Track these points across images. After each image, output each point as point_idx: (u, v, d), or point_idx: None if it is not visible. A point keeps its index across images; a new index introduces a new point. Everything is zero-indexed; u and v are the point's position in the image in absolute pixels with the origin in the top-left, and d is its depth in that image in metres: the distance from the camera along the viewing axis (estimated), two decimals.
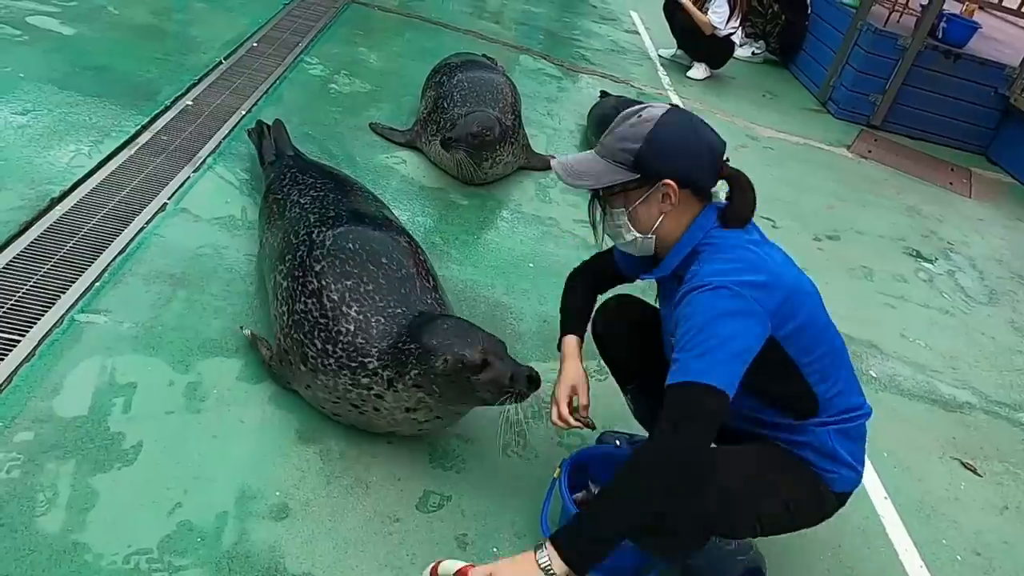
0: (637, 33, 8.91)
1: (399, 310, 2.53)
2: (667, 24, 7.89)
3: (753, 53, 8.99)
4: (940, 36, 7.63)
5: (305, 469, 2.51)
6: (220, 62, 5.17)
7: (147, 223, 3.42)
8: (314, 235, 2.80)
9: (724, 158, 2.04)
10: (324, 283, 2.60)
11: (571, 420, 2.33)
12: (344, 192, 3.29)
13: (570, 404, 2.35)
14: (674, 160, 1.96)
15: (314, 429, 2.66)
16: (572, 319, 2.54)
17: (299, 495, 2.42)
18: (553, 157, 5.29)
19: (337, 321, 2.51)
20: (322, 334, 2.53)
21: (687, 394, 1.79)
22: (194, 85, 4.77)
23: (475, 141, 4.24)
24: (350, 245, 2.72)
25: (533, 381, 2.35)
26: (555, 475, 2.46)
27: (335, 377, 2.50)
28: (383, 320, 2.49)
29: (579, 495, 2.49)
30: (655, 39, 8.60)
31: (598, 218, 2.21)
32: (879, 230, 5.55)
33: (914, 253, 5.34)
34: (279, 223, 3.15)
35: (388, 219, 3.13)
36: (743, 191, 2.04)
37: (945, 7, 7.69)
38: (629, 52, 8.10)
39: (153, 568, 2.10)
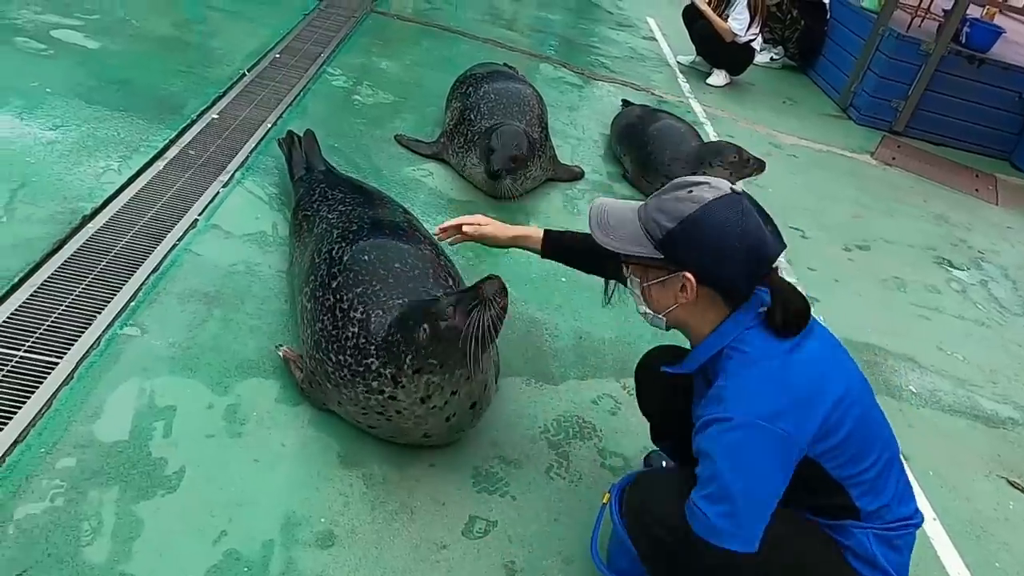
0: (655, 40, 8.86)
1: (399, 300, 2.52)
2: (685, 31, 7.84)
3: (772, 59, 8.92)
4: (963, 41, 7.56)
5: (349, 494, 2.47)
6: (243, 74, 5.15)
7: (179, 240, 3.39)
8: (334, 252, 2.80)
9: (773, 266, 1.82)
10: (338, 296, 2.60)
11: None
12: (371, 206, 3.26)
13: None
14: (702, 255, 1.78)
15: (356, 452, 2.61)
16: (564, 233, 2.55)
17: (344, 522, 2.37)
18: (579, 168, 5.44)
19: (345, 327, 2.51)
20: (335, 345, 2.52)
21: (727, 562, 1.75)
22: (219, 98, 4.74)
23: (515, 166, 4.22)
24: (366, 257, 2.72)
25: (493, 284, 2.25)
26: (604, 501, 2.41)
27: (353, 388, 2.49)
28: (381, 313, 2.49)
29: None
30: (673, 46, 8.55)
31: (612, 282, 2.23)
32: (908, 239, 5.48)
33: (945, 262, 5.27)
34: (307, 240, 3.13)
35: (413, 228, 3.09)
36: (785, 307, 1.79)
37: (967, 11, 7.62)
38: (648, 59, 8.05)
39: None
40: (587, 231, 2.35)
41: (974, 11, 8.23)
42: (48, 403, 2.48)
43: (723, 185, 1.83)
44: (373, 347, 2.43)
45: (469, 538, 2.43)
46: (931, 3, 8.22)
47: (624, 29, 8.98)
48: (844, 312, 4.24)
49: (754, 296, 1.87)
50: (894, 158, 7.10)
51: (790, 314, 1.80)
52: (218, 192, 3.81)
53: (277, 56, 5.57)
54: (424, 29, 7.12)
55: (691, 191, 1.81)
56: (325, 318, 2.60)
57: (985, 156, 7.79)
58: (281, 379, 2.83)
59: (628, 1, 10.16)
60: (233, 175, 3.98)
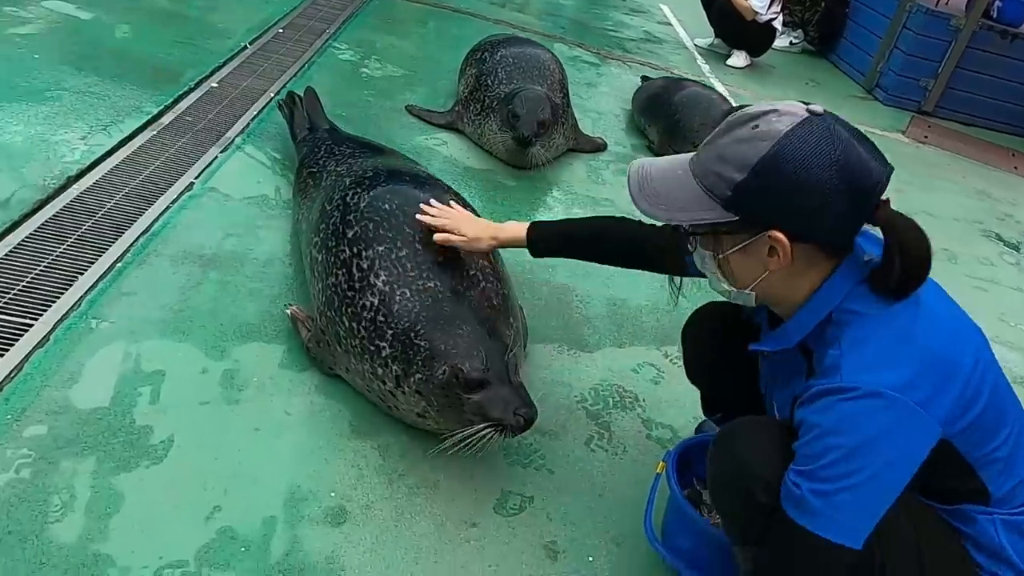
0: (669, 24, 8.58)
1: (430, 284, 2.17)
2: (703, 13, 7.56)
3: (791, 43, 8.63)
4: (995, 16, 7.24)
5: (363, 466, 2.14)
6: (245, 46, 4.87)
7: (172, 203, 3.09)
8: (348, 198, 2.47)
9: (882, 197, 1.43)
10: (356, 250, 2.28)
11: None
12: (383, 157, 2.97)
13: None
14: (790, 204, 1.38)
15: (369, 421, 2.29)
16: (556, 224, 2.23)
17: (357, 497, 2.05)
18: (602, 139, 5.11)
19: (363, 293, 2.19)
20: (349, 310, 2.21)
21: (816, 555, 1.38)
22: (218, 68, 4.46)
23: (542, 132, 3.91)
24: (386, 206, 2.38)
25: (524, 423, 1.96)
26: (659, 470, 2.08)
27: (361, 363, 2.19)
28: (408, 295, 2.15)
29: (686, 492, 2.11)
30: (689, 30, 8.27)
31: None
32: (952, 213, 5.15)
33: (994, 236, 4.94)
34: (315, 194, 2.82)
35: (433, 178, 2.78)
36: (906, 251, 1.40)
37: None
38: (665, 41, 7.76)
39: None
40: (597, 216, 2.04)
41: None
42: (19, 367, 2.17)
43: (795, 108, 1.42)
44: (390, 333, 2.12)
45: (502, 515, 2.10)
46: None
47: (638, 14, 8.70)
48: None
49: (851, 258, 1.47)
50: (926, 137, 6.77)
51: (911, 260, 1.40)
52: (216, 156, 3.51)
53: (280, 31, 5.30)
54: (433, 10, 6.85)
55: (756, 126, 1.40)
56: (340, 273, 2.28)
57: (1019, 136, 7.45)
58: (286, 343, 2.51)
59: None
60: (233, 140, 3.69)
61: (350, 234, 2.33)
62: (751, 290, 1.52)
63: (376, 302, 2.16)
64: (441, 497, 2.10)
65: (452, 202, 2.36)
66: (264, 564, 1.81)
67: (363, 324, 2.16)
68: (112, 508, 1.85)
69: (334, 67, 4.95)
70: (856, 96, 7.57)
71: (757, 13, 7.04)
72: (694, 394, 2.30)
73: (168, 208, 3.05)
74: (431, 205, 2.33)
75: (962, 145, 6.79)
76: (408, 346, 2.07)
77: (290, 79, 4.55)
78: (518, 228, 2.21)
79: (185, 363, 2.33)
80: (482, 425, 1.95)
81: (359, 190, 2.48)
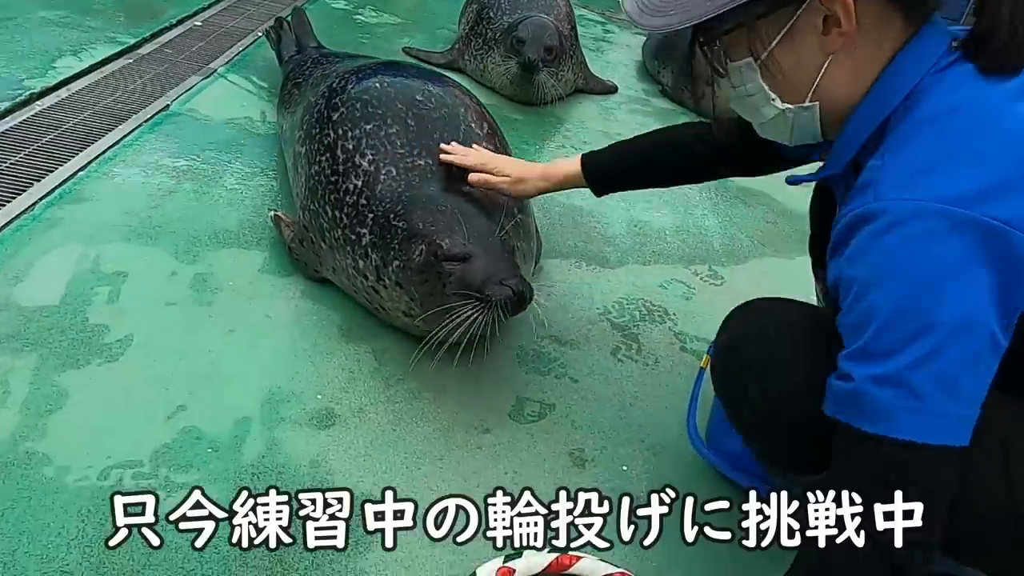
0: None
1: (420, 162, 1.89)
2: None
3: None
4: None
5: (355, 370, 1.84)
6: None
7: (145, 121, 2.80)
8: (335, 84, 2.20)
9: None
10: (341, 131, 2.00)
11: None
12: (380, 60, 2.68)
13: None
14: None
15: (362, 326, 1.98)
16: (608, 155, 1.82)
17: (348, 400, 1.74)
18: (612, 82, 4.80)
19: (347, 176, 1.91)
20: (332, 197, 1.93)
21: (906, 472, 0.98)
22: (203, 9, 4.18)
23: (550, 57, 3.62)
24: (377, 84, 2.12)
25: (516, 300, 1.61)
26: (703, 364, 1.77)
27: (343, 256, 1.91)
28: (394, 172, 1.87)
29: None
30: None
31: (707, 88, 1.44)
32: None
33: None
34: (299, 100, 2.55)
35: (439, 74, 2.49)
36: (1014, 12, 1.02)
37: None
38: None
39: (141, 484, 1.42)
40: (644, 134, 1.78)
41: None
42: None
43: None
44: (370, 217, 1.83)
45: (519, 422, 1.79)
46: None
47: None
48: None
49: (929, 28, 1.11)
50: None
51: (1020, 21, 1.01)
52: (196, 83, 3.22)
53: None
54: None
55: None
56: (323, 159, 2.00)
57: None
58: (268, 250, 2.21)
59: None
60: (215, 70, 3.40)
61: (335, 116, 2.05)
62: (811, 98, 1.14)
63: (360, 184, 1.88)
64: (448, 402, 1.79)
65: (476, 147, 1.97)
66: (235, 466, 1.51)
67: (346, 211, 1.88)
68: (53, 406, 1.55)
69: (326, 14, 4.66)
70: None
71: None
72: (728, 309, 1.98)
73: (141, 125, 2.76)
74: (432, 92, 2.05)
75: None
76: (386, 229, 1.78)
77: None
78: (568, 164, 1.84)
79: (150, 266, 2.03)
80: (467, 306, 1.62)
81: (348, 77, 2.19)
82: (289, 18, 3.53)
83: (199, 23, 3.97)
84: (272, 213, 2.24)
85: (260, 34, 3.95)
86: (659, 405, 1.94)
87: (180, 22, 3.91)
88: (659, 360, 2.12)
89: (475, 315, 1.61)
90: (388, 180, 1.86)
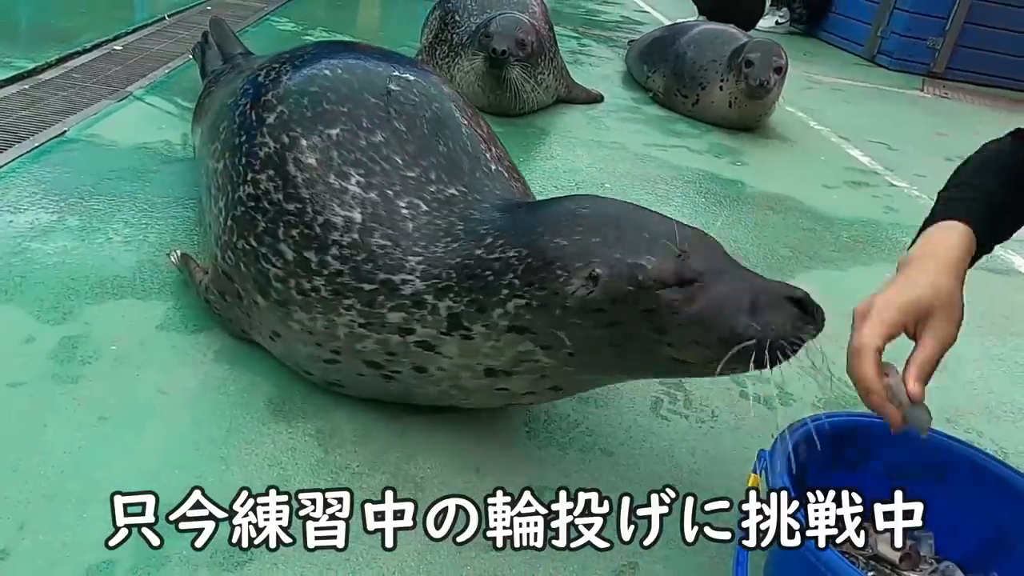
0: (647, 12, 7.97)
1: (451, 191, 1.33)
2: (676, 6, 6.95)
3: (777, 22, 8.02)
4: None
5: (288, 463, 1.24)
6: (164, 18, 4.07)
7: (30, 150, 2.23)
8: (261, 77, 1.60)
9: None
10: (290, 138, 1.39)
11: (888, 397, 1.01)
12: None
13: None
14: None
15: (304, 395, 1.40)
16: (963, 200, 1.16)
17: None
18: (597, 91, 4.29)
19: (325, 205, 1.30)
20: (295, 232, 1.31)
21: None
22: (126, 34, 3.65)
23: (522, 53, 3.12)
24: (327, 72, 1.51)
25: (809, 309, 1.07)
26: (751, 484, 1.15)
27: (330, 311, 1.29)
28: (426, 209, 1.30)
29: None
30: (667, 14, 7.65)
31: None
32: None
33: None
34: (209, 103, 2.01)
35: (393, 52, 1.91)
36: None
37: None
38: (645, 23, 7.10)
39: None
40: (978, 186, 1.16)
41: None
42: None
43: None
44: (415, 260, 1.26)
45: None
46: None
47: (611, 4, 8.09)
48: None
49: None
50: (946, 94, 6.10)
51: None
52: (106, 107, 2.67)
53: (208, 8, 4.52)
54: None
55: None
56: (262, 177, 1.39)
57: None
58: (172, 298, 1.63)
59: None
60: (132, 93, 2.85)
61: (270, 118, 1.45)
62: None
63: (360, 219, 1.29)
64: (430, 501, 1.20)
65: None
66: None
67: (337, 253, 1.28)
68: None
69: (273, 36, 4.16)
70: (859, 64, 6.92)
71: None
72: None
73: (24, 155, 2.18)
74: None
75: (985, 99, 6.13)
76: (476, 266, 1.22)
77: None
78: (953, 240, 1.10)
79: None
80: (733, 358, 1.06)
81: (276, 69, 1.61)
82: (210, 27, 2.98)
83: (119, 47, 3.43)
84: (176, 252, 1.65)
85: (191, 58, 3.42)
86: (729, 478, 1.36)
87: (96, 46, 3.37)
88: (716, 414, 1.55)
89: (741, 365, 1.06)
90: (422, 218, 1.29)
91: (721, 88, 3.65)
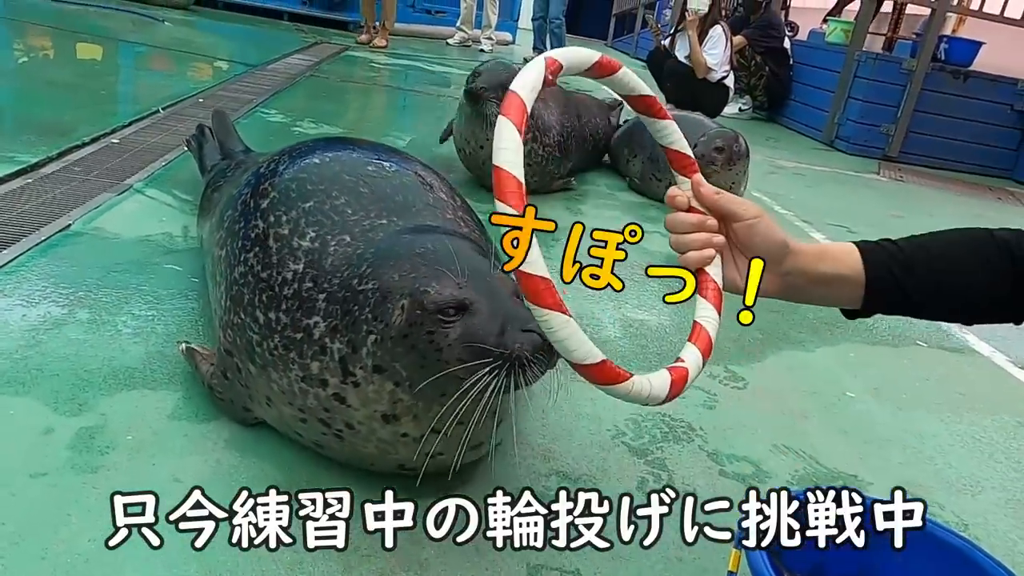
0: (618, 99, 8.38)
1: (381, 221, 1.50)
2: (652, 79, 7.35)
3: (740, 109, 8.48)
4: (943, 58, 7.19)
5: (297, 546, 1.32)
6: (158, 111, 4.25)
7: (38, 244, 2.33)
8: (262, 169, 1.78)
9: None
10: (273, 218, 1.56)
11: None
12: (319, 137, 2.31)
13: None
14: None
15: (309, 479, 1.48)
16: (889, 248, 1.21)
17: None
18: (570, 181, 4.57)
19: (282, 265, 1.47)
20: (264, 297, 1.47)
21: None
22: (123, 127, 3.80)
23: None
24: (316, 160, 1.71)
25: (548, 348, 1.14)
26: (732, 568, 1.26)
27: (285, 368, 1.42)
28: (348, 240, 1.46)
29: None
30: None
31: None
32: None
33: None
34: (219, 200, 2.11)
35: (394, 148, 2.10)
36: None
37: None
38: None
39: None
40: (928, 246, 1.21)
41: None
42: None
43: None
44: (322, 297, 1.39)
45: None
46: (898, 25, 7.97)
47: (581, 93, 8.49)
48: None
49: None
50: (901, 177, 6.47)
51: None
52: (107, 200, 2.79)
53: (200, 100, 4.72)
54: (371, 88, 6.44)
55: None
56: (251, 256, 1.55)
57: (986, 175, 7.24)
58: (182, 389, 1.71)
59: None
60: (131, 186, 2.98)
61: (263, 204, 1.62)
62: None
63: (301, 267, 1.44)
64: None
65: None
66: None
67: (284, 307, 1.43)
68: None
69: (263, 127, 4.35)
70: (819, 149, 7.32)
71: (711, 70, 6.83)
72: (763, 417, 1.61)
73: (31, 249, 2.28)
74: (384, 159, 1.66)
75: (939, 182, 6.51)
76: (349, 301, 1.34)
77: None
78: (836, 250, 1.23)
79: (16, 423, 1.51)
80: (482, 371, 1.18)
81: (278, 159, 1.78)
82: (210, 123, 3.15)
83: (116, 140, 3.58)
84: (183, 345, 1.75)
85: (186, 148, 3.57)
86: (712, 554, 1.45)
87: (94, 140, 3.51)
88: (698, 492, 1.65)
89: (492, 380, 1.17)
90: (341, 248, 1.44)
91: None
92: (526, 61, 5.38)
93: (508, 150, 0.99)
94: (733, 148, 3.86)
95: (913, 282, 1.19)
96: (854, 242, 1.23)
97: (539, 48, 10.18)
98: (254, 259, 1.52)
